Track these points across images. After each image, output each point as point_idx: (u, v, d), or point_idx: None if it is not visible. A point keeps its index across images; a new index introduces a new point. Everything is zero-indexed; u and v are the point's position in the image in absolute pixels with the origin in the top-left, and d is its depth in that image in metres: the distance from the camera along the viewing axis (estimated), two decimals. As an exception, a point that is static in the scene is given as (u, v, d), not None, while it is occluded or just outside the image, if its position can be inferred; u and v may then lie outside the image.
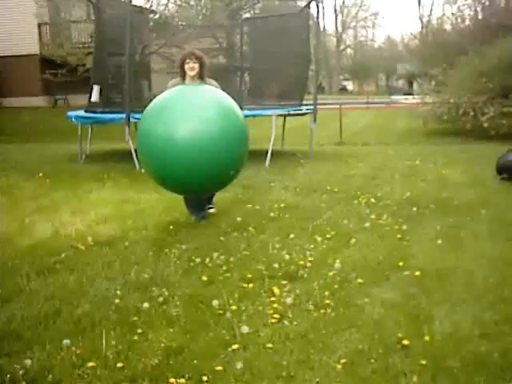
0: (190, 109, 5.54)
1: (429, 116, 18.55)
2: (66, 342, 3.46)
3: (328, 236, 5.70)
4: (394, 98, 42.70)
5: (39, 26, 25.80)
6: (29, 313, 3.93)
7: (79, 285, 4.49)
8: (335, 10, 66.45)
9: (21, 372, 3.12)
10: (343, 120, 17.47)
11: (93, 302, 4.12)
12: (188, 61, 6.01)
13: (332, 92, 60.43)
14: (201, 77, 6.10)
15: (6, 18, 24.81)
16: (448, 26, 26.75)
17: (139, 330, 3.64)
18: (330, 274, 4.58)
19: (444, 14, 33.72)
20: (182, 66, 6.04)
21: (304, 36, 13.51)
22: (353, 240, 5.57)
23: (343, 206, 7.18)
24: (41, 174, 9.50)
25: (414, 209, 6.86)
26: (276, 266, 4.73)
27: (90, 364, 3.22)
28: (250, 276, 4.53)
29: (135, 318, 3.82)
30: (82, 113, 12.05)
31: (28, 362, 3.22)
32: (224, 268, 4.74)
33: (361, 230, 6.00)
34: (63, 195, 8.02)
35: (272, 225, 6.24)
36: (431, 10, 59.13)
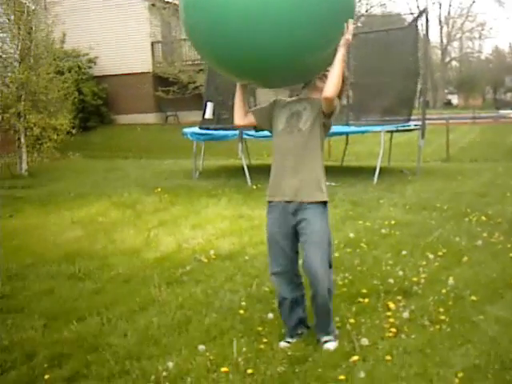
0: None
1: (540, 131, 17.99)
2: (201, 347, 3.80)
3: (440, 253, 5.82)
4: (502, 112, 41.42)
5: (152, 44, 27.03)
6: (163, 320, 4.32)
7: (205, 295, 4.86)
8: (440, 22, 64.79)
9: (163, 374, 3.47)
10: (449, 135, 17.28)
11: (219, 312, 4.46)
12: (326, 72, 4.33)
13: (436, 106, 59.20)
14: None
15: (122, 38, 26.16)
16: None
17: (265, 340, 3.92)
18: (444, 290, 4.71)
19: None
20: None
21: (412, 50, 13.47)
22: (465, 258, 5.67)
23: (453, 223, 7.24)
24: (159, 189, 10.09)
25: (527, 227, 6.84)
26: (391, 281, 4.92)
27: (223, 369, 3.53)
28: (365, 291, 4.74)
29: (260, 328, 4.12)
30: (196, 130, 12.62)
31: (170, 364, 3.57)
32: (340, 283, 4.97)
33: (473, 247, 6.08)
34: (182, 210, 8.52)
35: (384, 241, 6.43)
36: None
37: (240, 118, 3.89)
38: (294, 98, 3.94)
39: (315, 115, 3.73)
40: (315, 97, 3.79)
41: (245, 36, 3.25)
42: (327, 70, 3.71)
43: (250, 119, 3.92)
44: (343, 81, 3.66)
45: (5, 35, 13.52)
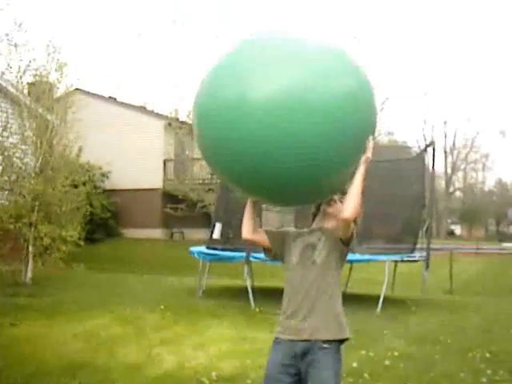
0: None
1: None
2: None
3: (444, 389, 5.78)
4: (506, 245, 41.70)
5: (164, 162, 27.80)
6: None
7: (206, 418, 4.81)
8: (445, 152, 66.52)
9: None
10: (452, 267, 17.36)
11: None
12: (334, 196, 3.57)
13: (440, 236, 59.60)
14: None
15: (137, 154, 26.95)
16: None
17: None
18: (448, 428, 4.67)
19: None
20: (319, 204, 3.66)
21: (418, 180, 13.77)
22: (469, 395, 5.62)
23: (458, 358, 7.20)
24: (162, 307, 10.10)
25: (532, 366, 6.80)
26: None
27: None
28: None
29: None
30: (203, 249, 12.77)
31: None
32: (342, 413, 4.92)
33: (478, 384, 6.03)
34: (184, 329, 8.51)
35: (387, 373, 6.39)
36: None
37: (248, 231, 3.58)
38: (305, 230, 3.63)
39: (331, 245, 3.42)
40: (327, 226, 3.52)
41: (265, 156, 2.95)
42: (336, 194, 3.52)
43: (260, 236, 3.59)
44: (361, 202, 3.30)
45: (27, 148, 14.00)
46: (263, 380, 3.43)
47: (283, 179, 3.01)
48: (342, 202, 3.41)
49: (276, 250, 3.58)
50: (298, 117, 2.85)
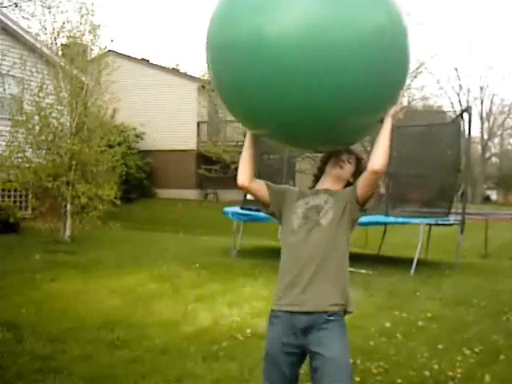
0: None
1: None
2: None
3: (476, 350, 5.80)
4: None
5: (198, 124, 27.89)
6: (198, 394, 4.40)
7: (240, 373, 4.92)
8: (481, 118, 65.38)
9: None
10: (488, 232, 17.23)
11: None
12: (340, 154, 3.15)
13: (475, 201, 58.95)
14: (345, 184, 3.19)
15: (170, 116, 27.10)
16: None
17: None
18: (480, 387, 4.71)
19: None
20: (324, 162, 3.23)
21: (454, 145, 13.64)
22: (502, 356, 5.64)
23: (491, 321, 7.21)
24: (197, 265, 10.25)
25: None
26: (426, 373, 4.93)
27: None
28: (400, 381, 4.76)
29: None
30: (237, 209, 12.87)
31: None
32: (374, 371, 4.99)
33: (510, 347, 6.03)
34: (219, 287, 8.63)
35: (420, 333, 6.43)
36: None
37: (245, 177, 3.12)
38: (309, 191, 3.19)
39: (340, 207, 3.01)
40: (333, 188, 3.11)
41: (284, 90, 2.65)
42: (348, 145, 3.12)
43: (259, 187, 3.15)
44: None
45: (63, 108, 14.16)
46: (264, 359, 3.05)
47: (299, 113, 2.70)
48: (350, 162, 3.12)
49: (274, 208, 3.15)
50: (320, 52, 2.56)
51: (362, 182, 2.97)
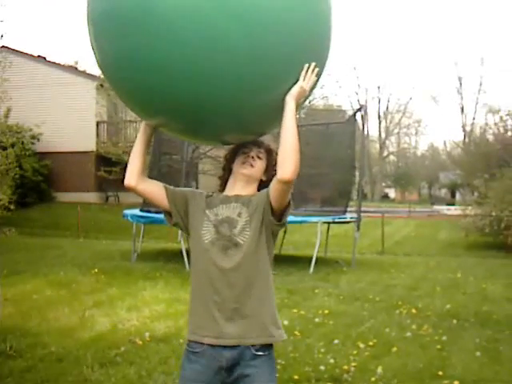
0: None
1: (470, 228, 18.82)
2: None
3: (370, 343, 5.99)
4: (437, 207, 43.01)
5: (97, 124, 27.30)
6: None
7: (139, 377, 4.87)
8: (379, 116, 67.63)
9: None
10: (385, 229, 17.84)
11: (152, 395, 4.48)
12: (247, 150, 2.68)
13: (374, 199, 60.92)
14: (259, 184, 2.71)
15: (68, 116, 26.35)
16: (491, 136, 26.69)
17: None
18: (373, 379, 4.87)
19: (487, 124, 33.53)
20: (229, 161, 2.75)
21: (350, 143, 14.06)
22: (394, 348, 5.85)
23: (385, 315, 7.46)
24: (96, 270, 10.04)
25: (454, 321, 7.12)
26: (322, 368, 5.05)
27: None
28: (297, 377, 4.84)
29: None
30: (137, 212, 12.71)
31: None
32: (272, 369, 5.05)
33: (402, 339, 6.28)
34: (118, 292, 8.49)
35: (317, 330, 6.57)
36: (474, 119, 59.62)
37: (133, 176, 2.64)
38: (218, 196, 2.66)
39: (257, 220, 2.53)
40: (244, 192, 2.62)
41: (176, 63, 2.24)
42: (248, 151, 2.63)
43: (153, 189, 2.65)
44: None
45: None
46: None
47: (201, 89, 2.27)
48: (259, 157, 2.65)
49: (177, 218, 2.65)
50: (221, 18, 2.16)
51: (272, 193, 2.49)
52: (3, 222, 15.79)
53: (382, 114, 68.01)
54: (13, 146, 15.88)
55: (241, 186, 2.63)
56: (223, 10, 2.15)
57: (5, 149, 14.56)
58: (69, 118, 26.30)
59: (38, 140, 25.60)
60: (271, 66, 2.28)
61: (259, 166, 2.65)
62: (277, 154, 2.53)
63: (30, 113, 24.56)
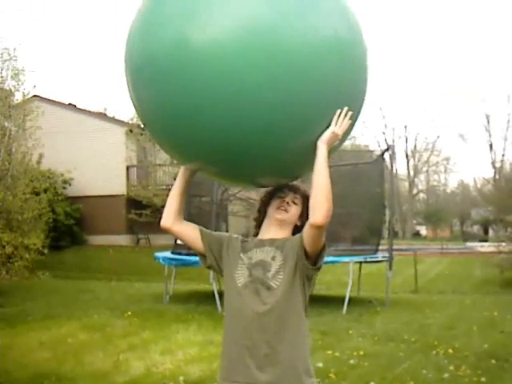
0: None
1: (505, 264, 18.51)
2: None
3: (408, 386, 5.89)
4: (470, 244, 42.45)
5: (127, 168, 27.67)
6: None
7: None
8: (407, 155, 67.41)
9: None
10: (418, 267, 17.62)
11: None
12: (283, 195, 2.69)
13: (405, 237, 60.34)
14: (293, 228, 2.70)
15: (99, 161, 26.78)
16: (521, 172, 26.47)
17: None
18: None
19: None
20: (265, 203, 2.75)
21: (378, 182, 14.06)
22: (432, 391, 5.74)
23: (421, 355, 7.33)
24: (129, 313, 10.06)
25: (493, 361, 6.96)
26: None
27: None
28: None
29: None
30: (168, 254, 12.77)
31: None
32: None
33: (440, 380, 6.16)
34: (152, 335, 8.49)
35: (352, 372, 6.48)
36: (503, 156, 59.09)
37: (170, 218, 2.66)
38: (251, 239, 2.68)
39: (291, 266, 2.51)
40: (279, 236, 2.61)
41: (205, 112, 2.28)
42: (282, 195, 2.64)
43: (188, 231, 2.68)
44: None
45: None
46: None
47: (237, 137, 2.31)
48: (295, 203, 2.65)
49: (211, 261, 2.67)
50: (254, 63, 2.18)
51: (306, 238, 2.47)
52: (37, 266, 15.96)
53: (409, 153, 67.81)
54: (45, 191, 16.14)
55: (275, 229, 2.63)
56: (252, 63, 2.18)
57: (38, 194, 14.79)
58: (99, 162, 26.75)
59: (70, 185, 26.02)
60: (301, 113, 2.29)
61: (294, 211, 2.64)
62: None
63: (62, 158, 25.02)
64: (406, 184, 69.04)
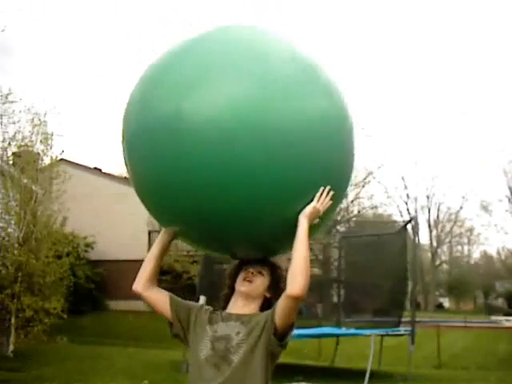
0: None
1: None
2: None
3: None
4: (494, 318, 41.58)
5: (149, 233, 27.76)
6: None
7: None
8: (429, 225, 66.89)
9: None
10: (441, 340, 17.22)
11: None
12: (249, 266, 2.68)
13: (428, 309, 59.25)
14: (262, 301, 2.67)
15: (120, 225, 26.97)
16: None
17: None
18: None
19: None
20: (233, 277, 2.73)
21: (401, 253, 13.93)
22: None
23: None
24: (146, 382, 9.91)
25: None
26: None
27: None
28: None
29: None
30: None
31: None
32: None
33: None
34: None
35: None
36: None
37: (142, 282, 2.66)
38: (221, 313, 2.62)
39: (254, 339, 2.47)
40: (246, 310, 2.58)
41: (199, 185, 2.42)
42: (251, 270, 2.60)
43: (158, 298, 2.67)
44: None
45: (10, 218, 13.99)
46: None
47: (219, 205, 2.42)
48: (261, 273, 2.62)
49: (178, 330, 2.65)
50: (243, 140, 2.31)
51: (279, 309, 2.45)
52: (55, 330, 15.88)
53: (432, 223, 67.34)
54: (68, 254, 16.21)
55: (242, 303, 2.61)
56: (240, 139, 2.32)
57: (60, 257, 14.86)
58: (121, 226, 26.96)
59: (92, 248, 26.16)
60: (286, 184, 2.40)
61: (259, 282, 2.63)
62: (282, 269, 2.64)
63: (85, 221, 25.22)
64: (429, 254, 68.27)
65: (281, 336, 2.48)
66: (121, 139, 2.68)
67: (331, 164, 2.52)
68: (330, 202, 2.49)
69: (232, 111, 2.33)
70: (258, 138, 2.33)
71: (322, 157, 2.45)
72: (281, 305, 2.45)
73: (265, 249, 2.67)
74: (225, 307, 2.68)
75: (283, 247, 2.65)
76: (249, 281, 2.60)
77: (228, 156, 2.33)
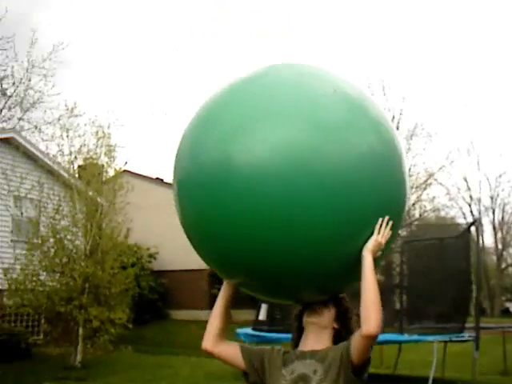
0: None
1: None
2: None
3: None
4: None
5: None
6: None
7: None
8: (494, 227, 65.07)
9: None
10: (507, 346, 16.84)
11: None
12: (313, 305, 2.70)
13: (494, 314, 57.71)
14: (333, 333, 2.68)
15: (182, 235, 27.25)
16: None
17: None
18: None
19: None
20: (299, 318, 2.78)
21: (464, 257, 13.68)
22: None
23: None
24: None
25: None
26: None
27: None
28: None
29: None
30: (249, 330, 12.77)
31: None
32: None
33: None
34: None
35: None
36: None
37: (209, 339, 2.70)
38: (294, 352, 2.63)
39: (332, 377, 2.46)
40: (319, 345, 2.58)
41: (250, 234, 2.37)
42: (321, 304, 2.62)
43: (229, 352, 2.70)
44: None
45: (77, 230, 14.40)
46: None
47: (278, 254, 2.39)
48: (326, 306, 2.64)
49: (255, 377, 2.64)
50: (295, 184, 2.30)
51: (355, 348, 2.46)
52: (121, 340, 16.26)
53: (497, 225, 65.56)
54: (132, 265, 16.55)
55: (313, 337, 2.62)
56: (291, 184, 2.31)
57: (125, 268, 15.20)
58: (183, 236, 27.15)
59: (155, 259, 26.56)
60: (346, 223, 2.40)
61: (326, 313, 2.64)
62: (346, 300, 2.67)
63: (148, 232, 25.63)
64: (494, 257, 66.49)
65: (358, 370, 2.49)
66: (172, 181, 2.69)
67: (387, 196, 2.52)
68: (390, 232, 2.49)
69: (289, 156, 2.31)
70: (310, 180, 2.31)
71: (377, 190, 2.46)
72: (356, 343, 2.45)
73: (331, 290, 2.66)
74: (296, 345, 2.69)
75: (347, 286, 2.68)
76: (317, 312, 2.63)
77: (280, 199, 2.30)
